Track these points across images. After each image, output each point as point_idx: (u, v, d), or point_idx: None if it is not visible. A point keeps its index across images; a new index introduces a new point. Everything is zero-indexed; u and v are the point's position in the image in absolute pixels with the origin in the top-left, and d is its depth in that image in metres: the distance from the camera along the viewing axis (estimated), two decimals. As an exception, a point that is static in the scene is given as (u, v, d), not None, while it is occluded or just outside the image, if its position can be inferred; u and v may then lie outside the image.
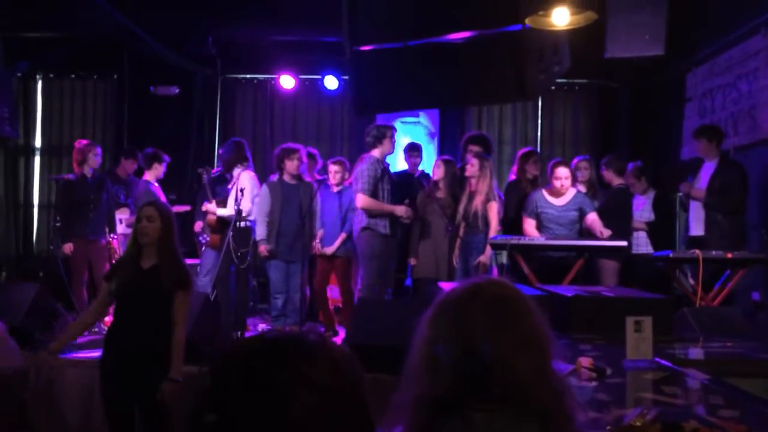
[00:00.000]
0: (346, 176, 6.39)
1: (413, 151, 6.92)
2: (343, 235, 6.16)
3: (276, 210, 5.95)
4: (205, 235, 6.30)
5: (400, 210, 5.63)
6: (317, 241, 6.22)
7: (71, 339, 4.01)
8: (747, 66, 6.20)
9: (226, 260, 5.79)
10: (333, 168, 6.28)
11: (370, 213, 5.59)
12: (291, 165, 5.98)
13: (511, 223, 6.01)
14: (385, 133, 5.73)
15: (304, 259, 5.92)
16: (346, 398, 0.99)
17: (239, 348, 1.05)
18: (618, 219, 5.84)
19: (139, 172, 7.20)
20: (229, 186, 6.20)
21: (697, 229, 5.67)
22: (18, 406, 4.75)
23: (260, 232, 5.94)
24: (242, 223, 5.93)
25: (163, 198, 6.51)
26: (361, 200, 5.59)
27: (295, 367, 0.98)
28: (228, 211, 5.96)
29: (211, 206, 6.04)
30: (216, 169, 7.00)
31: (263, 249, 5.88)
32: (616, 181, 6.08)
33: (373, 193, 5.58)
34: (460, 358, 1.31)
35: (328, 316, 6.25)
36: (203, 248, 6.33)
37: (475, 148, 6.20)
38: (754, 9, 6.02)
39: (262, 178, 6.52)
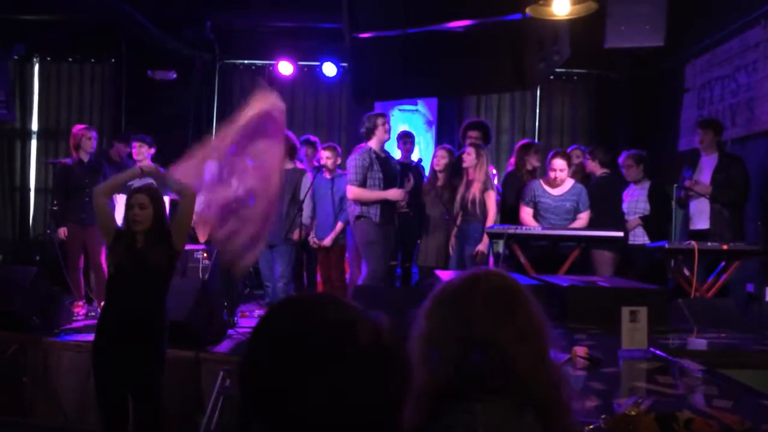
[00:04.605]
0: (339, 161, 6.39)
1: (406, 138, 6.93)
2: (339, 225, 6.16)
3: None
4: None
5: (392, 194, 5.60)
6: (312, 233, 6.23)
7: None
8: (746, 58, 6.20)
9: None
10: (325, 153, 6.29)
11: (362, 202, 5.60)
12: None
13: (509, 213, 6.03)
14: (376, 123, 5.70)
15: (289, 244, 5.90)
16: (385, 367, 1.01)
17: (285, 306, 1.07)
18: (607, 208, 5.86)
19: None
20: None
21: (701, 222, 5.68)
22: (14, 387, 4.77)
23: None
24: None
25: None
26: (350, 191, 5.62)
27: (340, 329, 1.00)
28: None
29: None
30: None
31: None
32: (599, 171, 6.09)
33: (362, 183, 5.59)
34: (460, 350, 1.32)
35: None
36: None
37: (475, 134, 6.21)
38: (753, 1, 6.01)
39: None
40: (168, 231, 3.53)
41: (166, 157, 6.85)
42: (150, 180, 6.52)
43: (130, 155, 7.20)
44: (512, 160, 6.48)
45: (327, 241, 6.19)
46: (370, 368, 0.98)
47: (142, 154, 6.56)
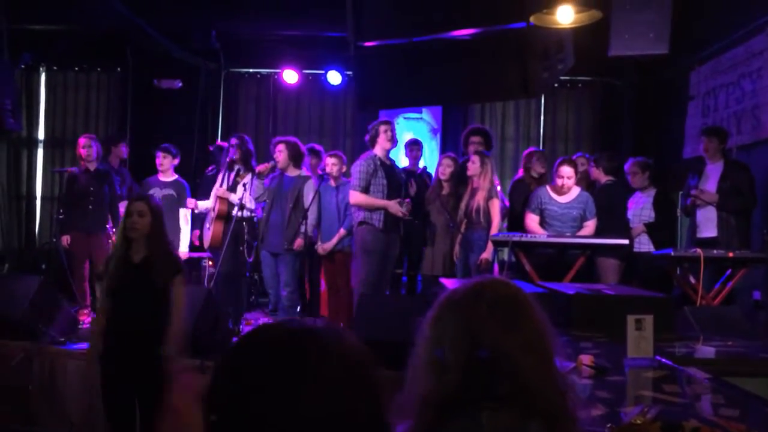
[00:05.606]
0: (344, 169, 6.41)
1: (413, 145, 6.96)
2: (341, 232, 6.17)
3: (268, 201, 6.03)
4: (207, 226, 6.27)
5: (392, 207, 5.59)
6: (318, 241, 6.23)
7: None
8: (751, 65, 6.20)
9: (236, 253, 5.82)
10: (330, 161, 6.31)
11: (364, 207, 5.62)
12: (275, 156, 6.09)
13: (517, 220, 6.04)
14: (378, 130, 5.72)
15: (293, 252, 5.90)
16: (357, 394, 0.98)
17: (248, 338, 1.03)
18: (611, 216, 5.85)
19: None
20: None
21: (708, 230, 5.66)
22: (21, 396, 4.77)
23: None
24: (246, 213, 5.94)
25: None
26: (353, 196, 5.65)
27: (306, 360, 0.96)
28: (237, 196, 5.98)
29: (222, 190, 6.05)
30: (210, 167, 7.03)
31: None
32: (604, 178, 6.10)
33: (365, 189, 5.60)
34: (466, 359, 1.32)
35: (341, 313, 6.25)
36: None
37: (477, 139, 6.26)
38: (758, 8, 6.01)
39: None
40: (166, 241, 3.54)
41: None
42: (170, 192, 6.54)
43: (124, 161, 7.26)
44: (521, 167, 6.55)
45: (328, 245, 6.18)
46: (338, 386, 0.96)
47: (166, 164, 6.56)
